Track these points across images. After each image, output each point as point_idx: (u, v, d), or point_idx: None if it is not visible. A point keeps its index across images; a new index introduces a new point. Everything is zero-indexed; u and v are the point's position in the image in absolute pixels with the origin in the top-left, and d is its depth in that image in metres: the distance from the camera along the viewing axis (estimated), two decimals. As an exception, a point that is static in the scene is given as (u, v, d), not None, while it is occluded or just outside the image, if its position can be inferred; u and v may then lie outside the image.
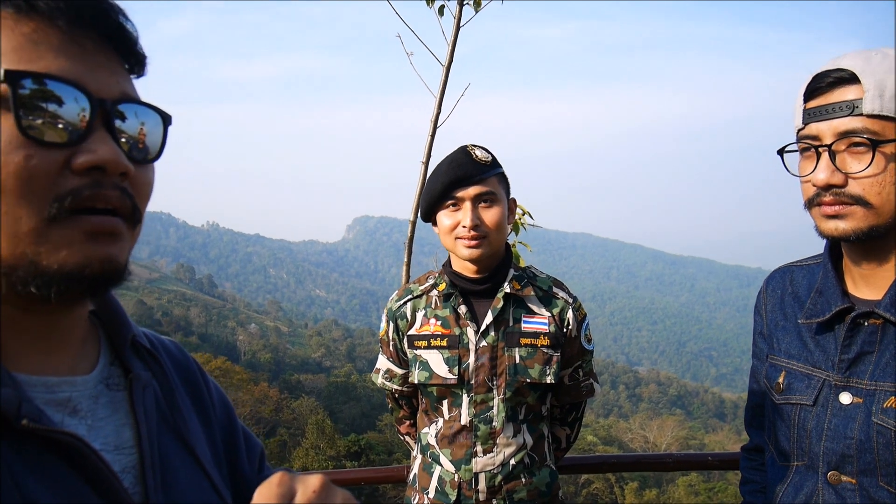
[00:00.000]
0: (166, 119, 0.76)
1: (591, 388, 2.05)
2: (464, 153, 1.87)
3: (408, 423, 2.20)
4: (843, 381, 1.26)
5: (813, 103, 1.21)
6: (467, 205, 1.83)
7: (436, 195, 1.87)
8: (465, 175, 1.83)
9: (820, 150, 1.19)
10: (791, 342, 1.38)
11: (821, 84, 1.19)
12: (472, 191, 1.83)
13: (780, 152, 1.29)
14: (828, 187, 1.18)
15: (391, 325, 2.02)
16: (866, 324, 1.24)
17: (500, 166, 1.91)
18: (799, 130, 1.25)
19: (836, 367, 1.27)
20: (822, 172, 1.18)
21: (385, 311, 2.06)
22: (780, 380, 1.38)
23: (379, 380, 2.11)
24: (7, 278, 0.63)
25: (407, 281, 3.50)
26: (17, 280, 0.63)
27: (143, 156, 0.73)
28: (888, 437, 1.16)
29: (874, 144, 1.13)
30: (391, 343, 2.03)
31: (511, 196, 1.97)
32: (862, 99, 1.13)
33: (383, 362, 2.10)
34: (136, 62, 0.75)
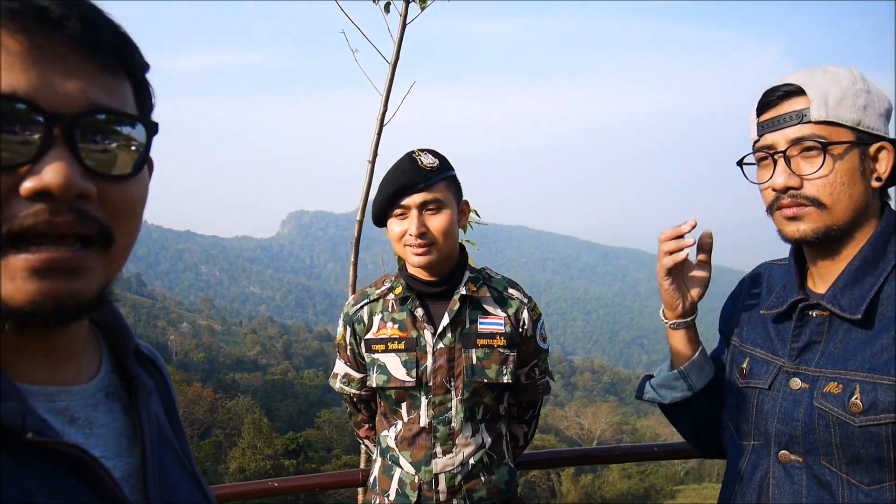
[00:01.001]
0: (150, 128, 0.70)
1: (547, 386, 2.10)
2: (409, 160, 1.86)
3: (367, 426, 2.21)
4: (793, 367, 1.35)
5: (765, 116, 1.33)
6: (413, 213, 1.84)
7: (382, 203, 1.88)
8: (409, 183, 1.82)
9: (776, 157, 1.30)
10: (757, 332, 1.48)
11: (771, 98, 1.32)
12: (418, 198, 1.83)
13: (739, 164, 1.40)
14: (785, 190, 1.28)
15: (348, 329, 2.02)
16: (814, 315, 1.34)
17: (450, 169, 1.91)
18: (755, 143, 1.36)
19: (789, 354, 1.37)
20: (780, 176, 1.29)
21: (342, 315, 2.05)
22: (745, 365, 1.47)
23: (337, 384, 2.11)
24: None
25: (354, 280, 3.49)
26: None
27: (118, 170, 0.67)
28: (827, 420, 1.25)
29: (824, 147, 1.25)
30: (348, 347, 2.03)
31: (463, 198, 1.98)
32: (809, 108, 1.26)
33: (341, 367, 2.10)
34: (124, 60, 0.69)
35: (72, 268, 0.62)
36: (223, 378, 63.56)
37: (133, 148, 0.69)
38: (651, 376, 1.61)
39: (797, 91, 1.28)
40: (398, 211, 1.86)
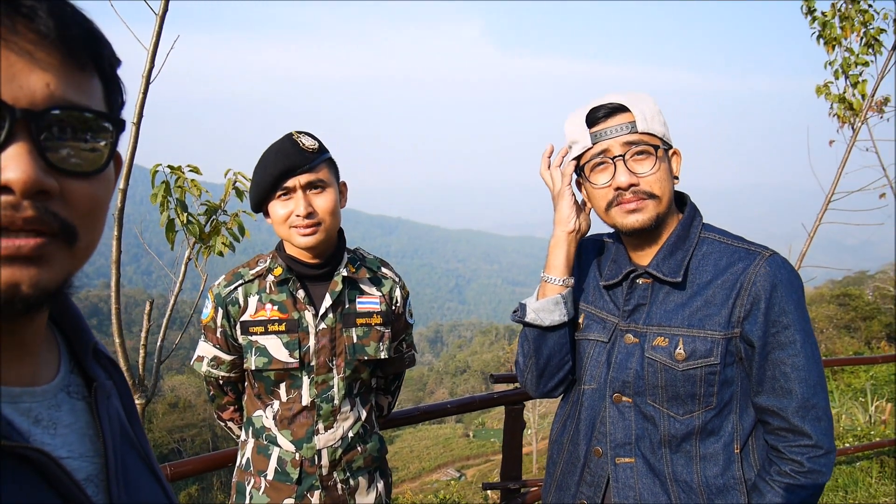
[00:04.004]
0: (117, 125, 0.69)
1: (412, 359, 2.24)
2: (290, 142, 1.84)
3: (231, 408, 2.15)
4: (626, 326, 1.65)
5: (597, 128, 1.58)
6: (299, 193, 1.84)
7: (266, 186, 1.83)
8: (294, 164, 1.81)
9: (615, 160, 1.56)
10: (593, 294, 1.76)
11: (599, 114, 1.58)
12: (303, 179, 1.83)
13: (578, 171, 1.67)
14: (628, 187, 1.54)
15: (220, 311, 1.94)
16: (640, 282, 1.65)
17: (328, 151, 1.92)
18: (587, 151, 1.60)
19: (621, 315, 1.66)
20: (624, 175, 1.54)
21: (211, 296, 1.96)
22: (580, 321, 1.74)
23: (204, 367, 2.02)
24: None
25: (119, 254, 3.14)
26: None
27: (83, 167, 0.65)
28: (655, 367, 1.57)
29: (656, 150, 1.55)
30: (219, 329, 1.95)
31: (342, 180, 1.98)
32: (635, 121, 1.55)
33: (208, 349, 2.00)
34: (94, 56, 0.67)
35: (34, 255, 0.61)
36: None
37: (102, 143, 0.67)
38: (523, 305, 1.75)
39: (622, 108, 1.57)
40: (281, 193, 1.84)
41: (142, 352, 3.30)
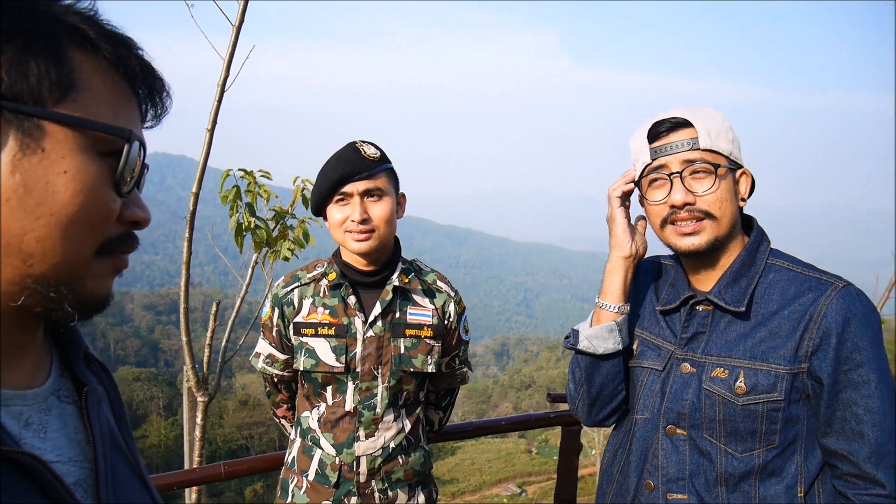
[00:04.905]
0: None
1: (465, 377, 2.20)
2: (352, 149, 1.89)
3: (285, 406, 2.21)
4: (683, 354, 1.56)
5: (658, 143, 1.52)
6: (356, 199, 1.87)
7: (325, 191, 1.88)
8: (353, 171, 1.86)
9: (672, 177, 1.49)
10: (649, 319, 1.67)
11: (661, 129, 1.51)
12: (361, 186, 1.87)
13: (637, 183, 1.60)
14: (683, 205, 1.47)
15: (276, 311, 2.01)
16: (700, 309, 1.55)
17: (389, 162, 1.96)
18: (647, 166, 1.54)
19: (678, 343, 1.57)
20: (679, 193, 1.48)
21: (271, 296, 2.04)
22: (634, 346, 1.67)
23: (259, 364, 2.10)
24: (43, 296, 0.66)
25: (189, 256, 3.24)
26: (56, 299, 0.66)
27: None
28: (713, 400, 1.47)
29: (715, 168, 1.47)
30: (275, 329, 2.02)
31: (401, 191, 2.01)
32: (697, 137, 1.48)
33: (265, 347, 2.08)
34: (157, 115, 0.76)
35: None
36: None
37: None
38: (576, 331, 1.69)
39: (685, 123, 1.50)
40: (339, 198, 1.89)
41: (206, 350, 3.40)
